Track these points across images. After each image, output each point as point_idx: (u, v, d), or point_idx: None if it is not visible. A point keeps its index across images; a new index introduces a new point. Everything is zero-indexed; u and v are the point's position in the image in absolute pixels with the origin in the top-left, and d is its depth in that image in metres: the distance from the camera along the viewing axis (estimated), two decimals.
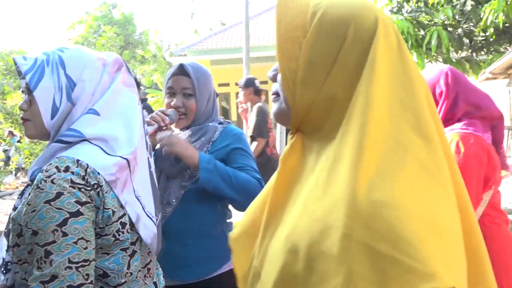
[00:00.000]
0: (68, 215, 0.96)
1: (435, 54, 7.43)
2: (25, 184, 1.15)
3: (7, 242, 1.09)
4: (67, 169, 1.00)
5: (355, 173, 0.55)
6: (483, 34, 7.93)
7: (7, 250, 1.10)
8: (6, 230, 1.11)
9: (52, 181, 0.97)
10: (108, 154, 1.07)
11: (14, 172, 10.85)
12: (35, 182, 1.00)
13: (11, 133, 11.96)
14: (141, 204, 1.15)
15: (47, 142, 1.16)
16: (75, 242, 0.96)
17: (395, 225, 0.52)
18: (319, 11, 0.64)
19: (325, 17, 0.64)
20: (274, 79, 0.75)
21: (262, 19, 17.33)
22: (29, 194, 1.01)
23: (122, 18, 17.86)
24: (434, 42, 7.21)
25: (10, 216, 1.09)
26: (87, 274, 0.98)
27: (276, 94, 0.73)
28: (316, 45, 0.64)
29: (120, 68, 1.18)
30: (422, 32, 7.62)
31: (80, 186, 0.99)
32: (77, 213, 0.97)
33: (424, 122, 0.60)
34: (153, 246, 1.19)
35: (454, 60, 7.99)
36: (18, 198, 1.12)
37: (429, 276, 0.50)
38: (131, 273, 1.11)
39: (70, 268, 0.94)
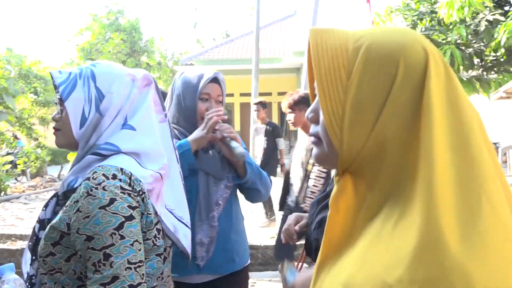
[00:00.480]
0: (123, 219, 1.01)
1: None
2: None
3: (31, 255, 1.12)
4: (114, 176, 1.05)
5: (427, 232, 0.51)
6: (494, 54, 8.05)
7: (31, 264, 1.13)
8: (30, 244, 1.14)
9: (103, 188, 1.02)
10: (142, 167, 1.13)
11: (15, 176, 10.79)
12: (82, 190, 1.03)
13: (15, 136, 11.92)
14: (175, 216, 1.23)
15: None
16: (132, 244, 1.01)
17: None
18: (361, 47, 0.59)
19: (370, 54, 0.59)
20: (313, 120, 0.69)
21: (267, 31, 17.52)
22: (74, 201, 1.04)
23: (129, 25, 17.95)
24: (447, 60, 7.28)
25: (34, 228, 1.13)
26: (143, 274, 1.03)
27: (317, 137, 0.67)
28: (362, 86, 0.59)
29: (149, 84, 1.24)
30: None
31: (129, 191, 1.05)
32: (131, 217, 1.03)
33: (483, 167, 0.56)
34: (189, 253, 1.30)
35: (465, 79, 8.10)
36: (43, 210, 1.15)
37: None
38: (162, 278, 1.17)
39: (130, 268, 0.99)
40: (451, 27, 7.54)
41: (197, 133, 1.66)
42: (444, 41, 7.64)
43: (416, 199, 0.53)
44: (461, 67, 7.67)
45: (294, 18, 19.69)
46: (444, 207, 0.51)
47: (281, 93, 17.60)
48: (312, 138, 0.69)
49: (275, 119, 17.74)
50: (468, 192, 0.54)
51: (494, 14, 6.97)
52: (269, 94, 16.76)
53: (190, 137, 1.66)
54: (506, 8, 7.04)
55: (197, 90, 1.72)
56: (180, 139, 1.67)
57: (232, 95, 15.73)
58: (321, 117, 0.64)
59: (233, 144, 1.65)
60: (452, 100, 0.58)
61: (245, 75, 13.58)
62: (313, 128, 0.69)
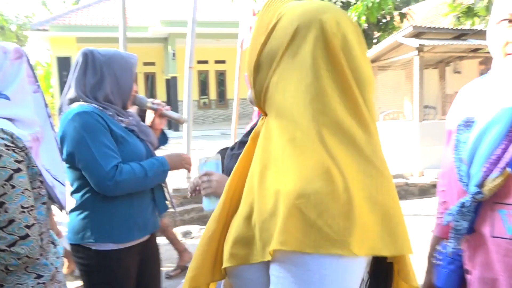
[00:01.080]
0: (12, 171, 1.15)
1: None
2: None
3: None
4: None
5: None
6: None
7: None
8: None
9: None
10: (19, 129, 1.26)
11: None
12: None
13: None
14: (51, 174, 1.37)
15: None
16: (22, 192, 1.16)
17: (326, 200, 0.66)
18: (280, 15, 0.79)
19: (282, 20, 0.78)
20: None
21: None
22: None
23: None
24: None
25: None
26: (35, 217, 1.19)
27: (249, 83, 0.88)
28: (271, 40, 0.78)
29: (21, 57, 1.33)
30: None
31: (13, 148, 1.17)
32: (18, 170, 1.16)
33: (361, 111, 0.74)
34: (64, 208, 1.47)
35: None
36: None
37: (340, 244, 0.65)
38: (47, 225, 1.34)
39: (23, 212, 1.15)
40: None
41: (176, 156, 1.88)
42: None
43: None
44: None
45: None
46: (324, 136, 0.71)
47: (147, 63, 17.12)
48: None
49: (141, 91, 17.24)
50: (351, 132, 0.73)
51: None
52: (151, 64, 16.19)
53: (169, 159, 1.83)
54: None
55: (133, 70, 1.79)
56: (113, 119, 1.73)
57: None
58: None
59: (172, 113, 2.00)
60: (342, 67, 0.74)
61: (109, 43, 12.83)
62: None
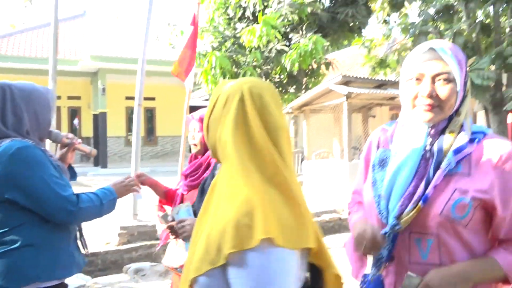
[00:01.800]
0: None
1: None
2: None
3: None
4: None
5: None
6: (278, 77, 9.84)
7: None
8: None
9: None
10: None
11: None
12: None
13: None
14: None
15: None
16: None
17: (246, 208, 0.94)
18: (220, 93, 1.10)
19: (220, 96, 1.09)
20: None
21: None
22: None
23: None
24: None
25: None
26: None
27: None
28: (214, 110, 1.09)
29: None
30: (237, 70, 8.94)
31: None
32: None
33: (271, 159, 1.01)
34: None
35: None
36: None
37: (254, 229, 0.90)
38: None
39: None
40: (248, 51, 8.91)
41: (120, 183, 1.90)
42: (244, 63, 8.95)
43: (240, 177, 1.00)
44: None
45: (84, 18, 18.67)
46: (250, 178, 0.98)
47: (72, 97, 16.47)
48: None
49: (64, 126, 16.45)
50: (262, 167, 1.00)
51: (282, 45, 8.62)
52: (59, 97, 15.48)
53: (115, 187, 1.87)
54: (292, 41, 8.82)
55: (51, 106, 1.80)
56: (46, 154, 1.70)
57: None
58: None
59: (85, 147, 2.03)
60: (263, 123, 1.02)
61: (35, 75, 12.26)
62: None
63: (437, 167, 1.23)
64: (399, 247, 1.26)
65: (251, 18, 9.40)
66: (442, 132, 1.26)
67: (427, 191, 1.21)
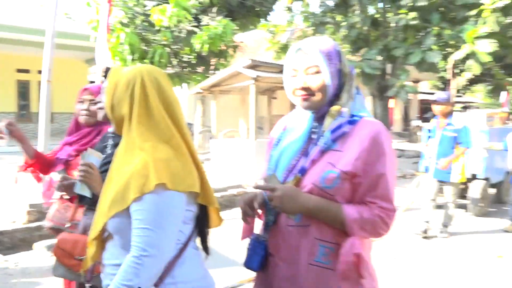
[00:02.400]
0: None
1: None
2: None
3: None
4: None
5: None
6: (188, 57, 9.98)
7: None
8: None
9: None
10: None
11: None
12: None
13: None
14: None
15: None
16: None
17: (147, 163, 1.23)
18: (119, 77, 1.36)
19: (120, 80, 1.35)
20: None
21: None
22: None
23: None
24: (157, 57, 8.64)
25: None
26: None
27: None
28: (116, 91, 1.34)
29: None
30: (146, 47, 8.89)
31: None
32: None
33: (167, 127, 1.31)
34: None
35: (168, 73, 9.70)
36: None
37: (156, 180, 1.20)
38: None
39: None
40: (157, 30, 8.91)
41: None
42: (153, 41, 8.94)
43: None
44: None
45: None
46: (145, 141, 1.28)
47: None
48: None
49: None
50: (161, 134, 1.30)
51: (192, 26, 8.78)
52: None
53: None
54: (202, 23, 9.00)
55: None
56: None
57: None
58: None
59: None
60: (159, 102, 1.32)
61: None
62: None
63: (316, 143, 1.38)
64: (280, 213, 1.41)
65: None
66: (325, 116, 1.42)
67: (305, 164, 1.37)
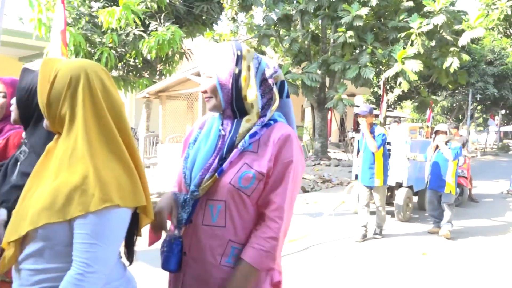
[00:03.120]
0: None
1: None
2: None
3: None
4: None
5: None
6: (133, 61, 9.92)
7: None
8: None
9: None
10: None
11: None
12: None
13: None
14: None
15: None
16: None
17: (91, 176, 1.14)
18: (57, 70, 1.20)
19: (59, 73, 1.20)
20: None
21: None
22: None
23: None
24: (104, 59, 8.54)
25: None
26: None
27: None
28: (54, 86, 1.19)
29: None
30: (91, 49, 8.73)
31: None
32: None
33: (114, 135, 1.20)
34: None
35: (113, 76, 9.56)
36: None
37: (105, 199, 1.12)
38: None
39: None
40: (102, 32, 8.78)
41: None
42: (99, 43, 8.79)
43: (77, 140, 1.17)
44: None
45: None
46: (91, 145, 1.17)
47: None
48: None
49: None
50: (108, 143, 1.19)
51: (140, 30, 8.78)
52: None
53: None
54: (150, 28, 9.00)
55: None
56: None
57: None
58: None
59: None
60: (105, 96, 1.21)
61: None
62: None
63: (231, 146, 1.41)
64: (196, 212, 1.42)
65: None
66: (235, 117, 1.46)
67: (224, 165, 1.38)
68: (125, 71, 9.88)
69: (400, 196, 6.74)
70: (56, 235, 1.14)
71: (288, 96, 1.53)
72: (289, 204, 1.40)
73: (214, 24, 11.76)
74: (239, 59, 1.43)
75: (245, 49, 1.45)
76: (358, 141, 5.94)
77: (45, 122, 1.27)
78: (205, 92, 1.46)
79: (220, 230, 1.37)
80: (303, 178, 10.05)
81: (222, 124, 1.47)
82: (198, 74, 8.02)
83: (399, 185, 6.93)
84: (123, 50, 9.49)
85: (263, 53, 14.21)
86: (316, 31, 13.83)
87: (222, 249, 1.37)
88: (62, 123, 1.21)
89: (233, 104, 1.43)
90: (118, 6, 8.40)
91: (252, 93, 1.42)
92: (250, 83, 1.43)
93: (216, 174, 1.38)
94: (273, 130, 1.41)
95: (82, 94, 1.18)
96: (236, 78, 1.42)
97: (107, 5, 9.22)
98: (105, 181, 1.14)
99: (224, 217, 1.37)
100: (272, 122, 1.44)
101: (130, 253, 1.35)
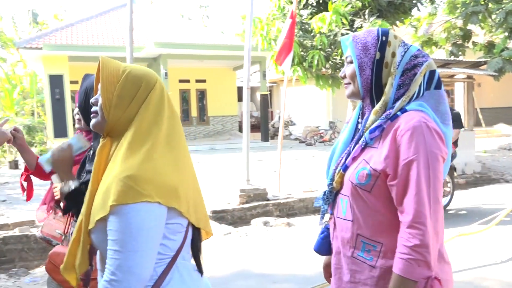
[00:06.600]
0: None
1: (314, 70, 9.73)
2: None
3: None
4: None
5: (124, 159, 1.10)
6: (340, 58, 10.59)
7: None
8: None
9: None
10: None
11: None
12: None
13: None
14: None
15: None
16: None
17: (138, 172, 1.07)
18: (126, 70, 1.17)
19: (129, 74, 1.17)
20: (95, 103, 1.20)
21: (106, 18, 17.19)
22: None
23: None
24: (316, 61, 9.44)
25: None
26: None
27: (96, 112, 1.19)
28: (123, 88, 1.15)
29: None
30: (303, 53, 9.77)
31: None
32: None
33: (172, 135, 1.17)
34: None
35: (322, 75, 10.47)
36: None
37: (142, 195, 1.05)
38: None
39: None
40: (312, 36, 9.71)
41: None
42: (310, 47, 9.77)
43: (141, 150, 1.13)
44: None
45: (125, 8, 19.52)
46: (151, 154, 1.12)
47: None
48: (93, 114, 1.22)
49: None
50: (171, 146, 1.16)
51: (346, 30, 9.40)
52: None
53: None
54: (355, 25, 9.56)
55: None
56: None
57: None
58: (100, 101, 1.18)
59: None
60: (163, 108, 1.18)
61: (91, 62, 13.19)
62: (94, 108, 1.21)
63: (359, 139, 1.38)
64: (333, 205, 1.46)
65: (314, 4, 10.19)
66: (374, 107, 1.38)
67: (347, 160, 1.39)
68: (334, 69, 10.65)
69: None
70: (102, 238, 1.13)
71: (438, 87, 1.37)
72: (430, 206, 1.23)
73: (413, 10, 11.60)
74: (383, 44, 1.35)
75: (391, 35, 1.38)
76: None
77: (95, 122, 1.21)
78: (344, 77, 1.43)
79: (349, 223, 1.38)
80: None
81: (362, 115, 1.45)
82: None
83: None
84: (330, 49, 10.29)
85: (469, 32, 13.20)
86: None
87: (353, 242, 1.38)
88: (124, 125, 1.16)
89: (372, 92, 1.37)
90: (326, 10, 9.19)
91: (390, 82, 1.34)
92: (391, 71, 1.34)
93: (342, 169, 1.40)
94: (397, 122, 1.29)
95: (157, 100, 1.19)
96: (378, 64, 1.35)
97: (314, 11, 10.14)
98: (147, 179, 1.09)
99: (351, 211, 1.37)
100: (399, 113, 1.31)
101: (198, 265, 1.29)
